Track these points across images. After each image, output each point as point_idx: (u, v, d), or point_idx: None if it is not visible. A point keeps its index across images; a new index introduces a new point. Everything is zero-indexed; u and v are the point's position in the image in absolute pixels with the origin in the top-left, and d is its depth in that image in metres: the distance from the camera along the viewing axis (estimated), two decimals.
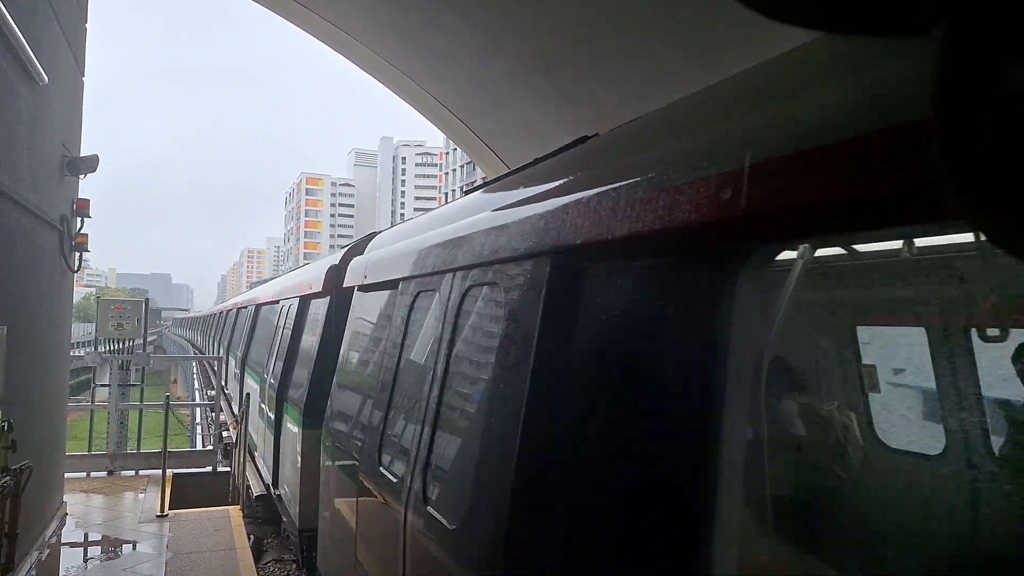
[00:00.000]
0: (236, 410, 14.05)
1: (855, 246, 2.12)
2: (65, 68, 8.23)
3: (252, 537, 9.44)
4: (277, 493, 8.80)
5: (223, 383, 17.77)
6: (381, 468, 3.96)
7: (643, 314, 2.10)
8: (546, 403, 2.37)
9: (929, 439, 2.76)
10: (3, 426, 5.74)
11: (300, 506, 7.09)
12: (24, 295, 6.87)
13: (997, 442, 2.47)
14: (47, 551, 7.84)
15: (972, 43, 0.89)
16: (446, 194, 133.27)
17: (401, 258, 4.61)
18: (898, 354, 2.92)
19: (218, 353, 23.28)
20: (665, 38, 9.54)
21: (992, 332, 2.29)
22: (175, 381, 50.34)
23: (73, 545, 8.38)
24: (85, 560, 7.92)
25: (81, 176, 8.73)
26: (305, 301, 8.95)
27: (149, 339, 17.65)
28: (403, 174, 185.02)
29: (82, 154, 8.85)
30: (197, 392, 35.04)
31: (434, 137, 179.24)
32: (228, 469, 12.14)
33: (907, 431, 2.93)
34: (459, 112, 14.32)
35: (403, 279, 4.44)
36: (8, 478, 5.85)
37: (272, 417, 9.12)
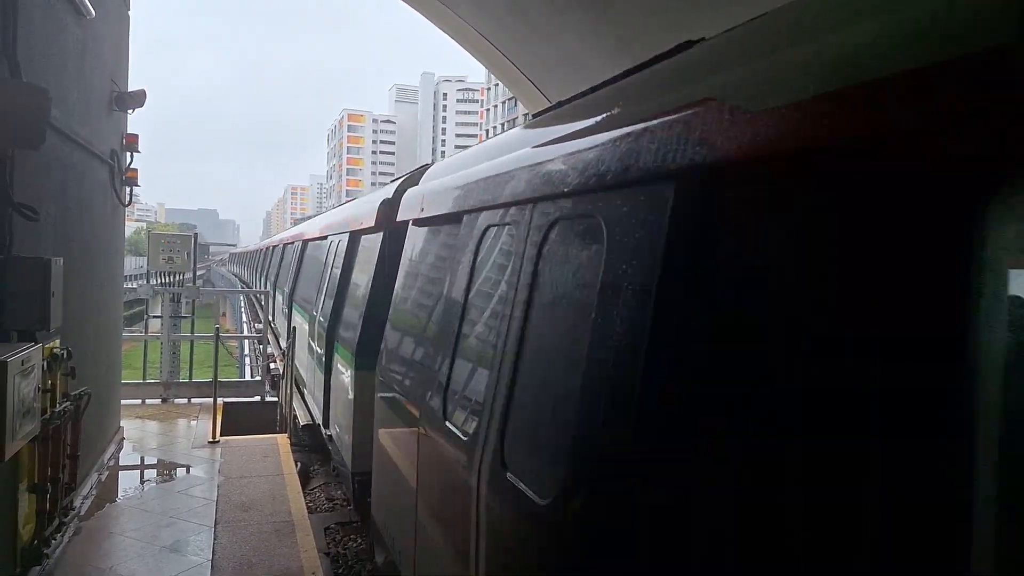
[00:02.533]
0: (283, 344, 14.36)
1: None
2: (111, 2, 8.23)
3: (299, 464, 9.78)
4: (328, 433, 8.75)
5: (270, 317, 18.12)
6: (448, 423, 3.56)
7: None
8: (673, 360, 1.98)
9: None
10: (62, 353, 5.96)
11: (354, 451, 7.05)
12: (78, 228, 7.03)
13: None
14: (106, 472, 8.24)
15: None
16: (487, 131, 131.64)
17: (471, 186, 4.01)
18: None
19: (265, 288, 23.73)
20: None
21: None
22: (224, 314, 51.61)
23: (130, 467, 8.79)
24: (142, 481, 8.31)
25: (129, 111, 8.81)
26: (355, 237, 8.63)
27: (198, 274, 17.95)
28: (444, 110, 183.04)
29: (129, 89, 8.92)
30: (245, 325, 35.95)
31: (476, 73, 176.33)
32: (276, 399, 12.52)
33: None
34: (500, 44, 13.98)
35: (471, 211, 3.90)
36: (69, 403, 6.11)
37: (323, 356, 8.90)
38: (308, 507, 8.20)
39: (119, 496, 7.75)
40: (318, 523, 8.36)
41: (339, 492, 9.77)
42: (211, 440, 9.70)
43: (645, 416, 2.00)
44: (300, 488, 8.31)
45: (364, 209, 8.22)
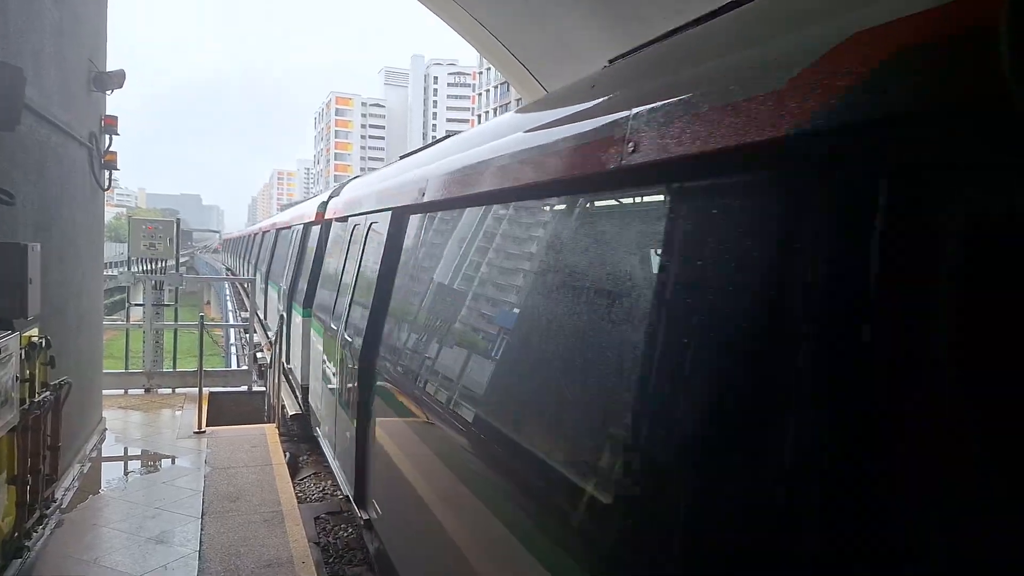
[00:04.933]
0: (270, 334, 14.18)
1: None
2: None
3: (288, 454, 9.66)
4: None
5: (260, 313, 17.85)
6: None
7: None
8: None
9: None
10: (41, 342, 5.80)
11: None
12: (57, 213, 6.86)
13: None
14: (89, 464, 8.10)
15: None
16: (479, 116, 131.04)
17: None
18: None
19: (252, 276, 23.42)
20: None
21: None
22: (208, 302, 51.34)
23: (113, 459, 8.64)
24: (125, 472, 8.16)
25: (108, 92, 8.59)
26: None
27: (182, 261, 17.67)
28: (435, 94, 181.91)
29: (107, 70, 8.70)
30: (231, 313, 35.72)
31: (467, 56, 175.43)
32: (263, 389, 12.37)
33: None
34: (494, 29, 13.79)
35: None
36: (48, 393, 5.96)
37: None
38: (298, 497, 8.10)
39: (102, 488, 7.61)
40: (308, 513, 8.26)
41: (328, 482, 9.67)
42: (197, 430, 9.55)
43: None
44: (289, 478, 8.20)
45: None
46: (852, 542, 1.61)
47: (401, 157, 8.27)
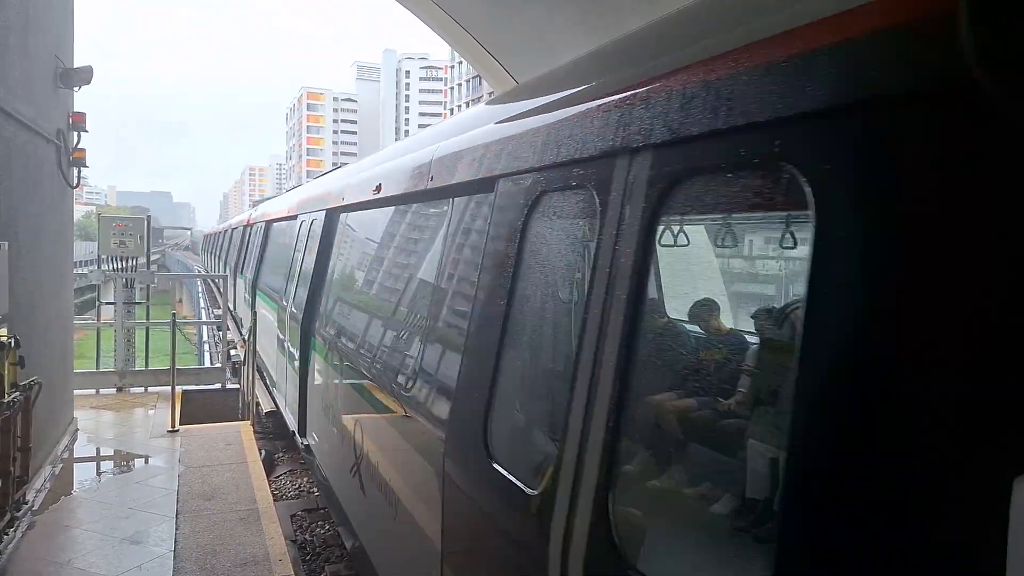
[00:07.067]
0: (244, 331, 14.04)
1: None
2: None
3: (263, 452, 9.60)
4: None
5: (230, 303, 17.63)
6: None
7: None
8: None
9: None
10: (10, 342, 5.73)
11: None
12: (25, 211, 6.76)
13: None
14: (60, 465, 8.00)
15: None
16: (451, 109, 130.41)
17: None
18: None
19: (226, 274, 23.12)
20: None
21: None
22: (180, 300, 50.61)
23: (85, 459, 8.54)
24: (98, 473, 8.08)
25: (75, 88, 8.46)
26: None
27: (152, 259, 17.39)
28: (407, 88, 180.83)
29: (75, 66, 8.56)
30: (203, 311, 35.27)
31: (439, 50, 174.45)
32: (237, 386, 12.27)
33: None
34: (464, 21, 13.74)
35: None
36: (18, 393, 5.89)
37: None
38: (274, 495, 8.08)
39: (75, 489, 7.52)
40: (284, 510, 8.24)
41: (305, 479, 9.63)
42: (170, 429, 9.47)
43: None
44: (265, 476, 8.17)
45: None
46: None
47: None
